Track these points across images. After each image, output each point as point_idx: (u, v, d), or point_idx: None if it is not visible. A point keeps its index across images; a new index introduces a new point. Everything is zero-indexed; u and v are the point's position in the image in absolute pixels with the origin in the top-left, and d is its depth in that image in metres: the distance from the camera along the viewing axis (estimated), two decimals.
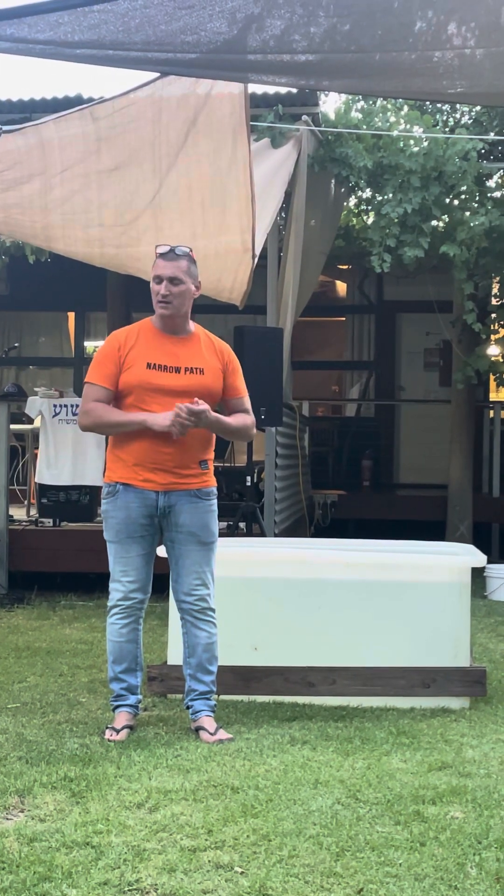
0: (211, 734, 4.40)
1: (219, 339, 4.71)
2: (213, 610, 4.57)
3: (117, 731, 4.44)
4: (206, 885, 2.97)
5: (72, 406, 8.50)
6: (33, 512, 8.85)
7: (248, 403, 4.68)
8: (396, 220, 8.52)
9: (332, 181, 8.93)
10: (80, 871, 3.05)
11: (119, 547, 4.56)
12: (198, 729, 4.46)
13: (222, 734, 4.41)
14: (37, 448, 8.77)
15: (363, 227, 10.21)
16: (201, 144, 6.51)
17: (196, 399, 4.39)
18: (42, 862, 3.10)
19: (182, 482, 4.50)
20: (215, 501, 4.62)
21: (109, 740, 4.37)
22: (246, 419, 4.65)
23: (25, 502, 9.20)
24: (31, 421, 9.02)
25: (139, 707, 4.66)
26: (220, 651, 4.64)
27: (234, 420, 4.59)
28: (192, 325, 4.64)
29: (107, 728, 4.49)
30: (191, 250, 4.58)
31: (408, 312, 13.02)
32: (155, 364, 4.48)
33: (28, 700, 5.06)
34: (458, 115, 10.56)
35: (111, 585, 4.61)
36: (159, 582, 5.36)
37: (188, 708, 4.57)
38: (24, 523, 8.53)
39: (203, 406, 4.37)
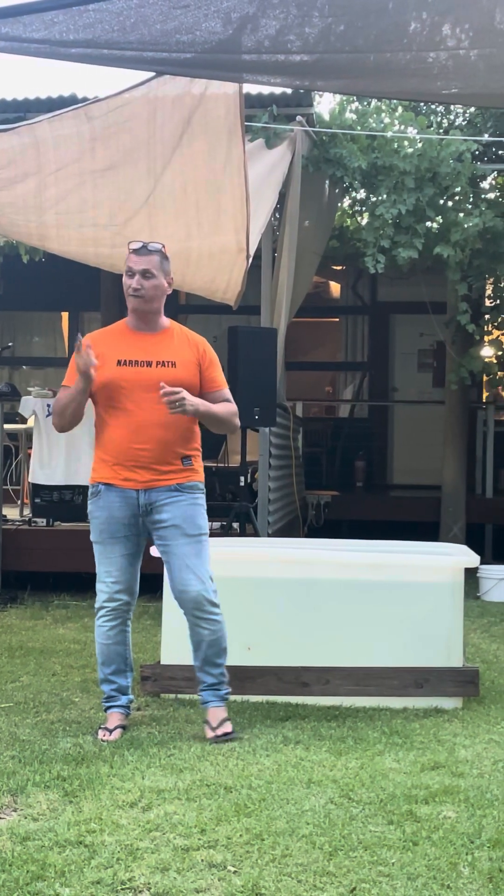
0: (213, 728, 4.39)
1: (194, 333, 4.69)
2: (211, 603, 4.48)
3: (110, 731, 4.44)
4: (199, 884, 2.97)
5: None
6: (26, 512, 8.84)
7: (228, 395, 4.63)
8: (390, 221, 8.52)
9: (327, 182, 8.94)
10: (73, 870, 3.05)
11: (102, 547, 4.55)
12: (205, 723, 4.46)
13: (224, 728, 4.39)
14: (30, 448, 8.76)
15: (357, 227, 10.21)
16: (196, 144, 6.51)
17: (162, 383, 4.35)
18: (35, 861, 3.10)
19: (162, 479, 4.47)
20: (201, 496, 4.57)
21: (103, 740, 4.37)
22: (230, 406, 4.60)
23: (19, 502, 9.19)
24: (24, 421, 9.01)
25: (130, 707, 4.66)
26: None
27: (219, 407, 4.54)
28: (166, 321, 4.65)
29: (100, 728, 4.49)
30: (163, 246, 4.58)
31: (401, 313, 13.03)
32: (125, 360, 4.48)
33: (21, 699, 5.06)
34: (452, 117, 10.57)
35: (97, 586, 4.60)
36: (153, 582, 5.35)
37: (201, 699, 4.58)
38: (17, 523, 8.52)
39: (169, 388, 4.31)
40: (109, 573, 4.54)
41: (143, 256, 4.50)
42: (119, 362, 4.48)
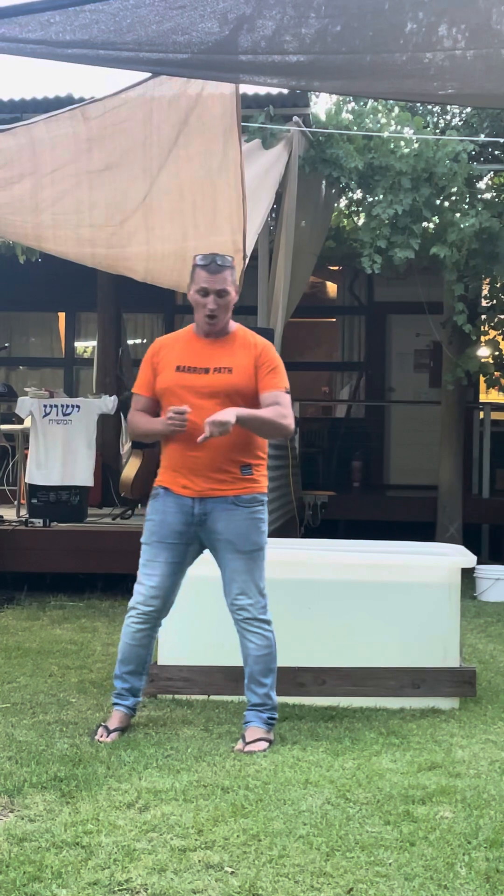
0: (245, 742, 4.33)
1: (258, 336, 4.60)
2: (260, 620, 4.46)
3: (109, 733, 4.43)
4: (197, 885, 2.97)
5: (62, 406, 8.49)
6: (23, 512, 8.84)
7: (281, 398, 4.46)
8: (387, 222, 8.52)
9: (323, 182, 8.94)
10: (69, 871, 3.05)
11: (149, 549, 4.52)
12: (241, 737, 4.40)
13: (255, 746, 4.29)
14: (27, 448, 8.76)
15: (354, 228, 10.22)
16: (192, 145, 6.51)
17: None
18: (32, 862, 3.10)
19: (218, 488, 4.42)
20: (260, 509, 4.49)
21: (99, 740, 4.36)
22: (278, 409, 4.43)
23: (15, 502, 9.19)
24: (21, 421, 9.00)
25: (136, 709, 4.64)
26: (210, 651, 4.64)
27: (265, 412, 4.42)
28: (233, 325, 4.60)
29: (100, 726, 4.48)
30: (233, 259, 4.58)
31: (398, 314, 13.02)
32: (184, 366, 4.46)
33: (18, 700, 5.05)
34: (448, 117, 10.56)
35: (135, 587, 4.56)
36: None
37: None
38: (13, 523, 8.51)
39: (209, 432, 4.26)
40: (150, 577, 4.51)
41: (215, 275, 4.43)
42: (178, 368, 4.47)
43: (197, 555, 4.58)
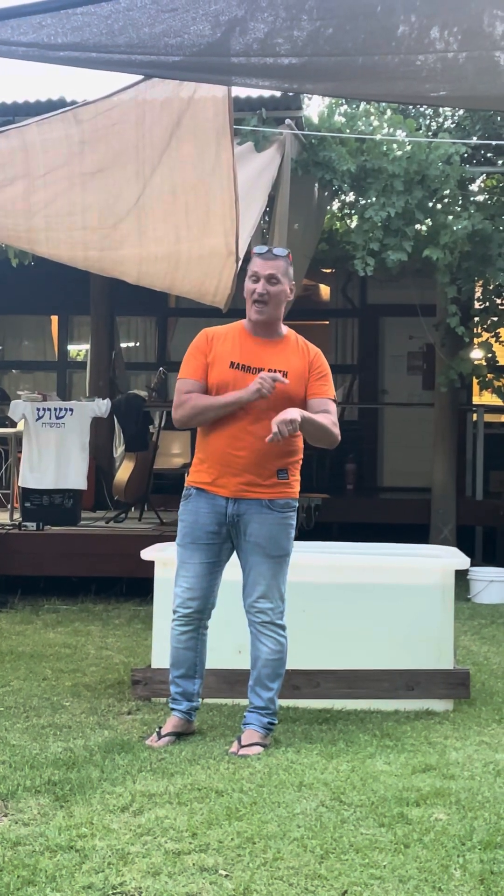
0: (240, 745, 4.31)
1: (310, 343, 4.59)
2: (276, 625, 4.46)
3: (159, 737, 4.39)
4: (191, 889, 2.97)
5: (55, 410, 8.48)
6: (16, 516, 8.83)
7: (330, 406, 4.49)
8: (380, 224, 8.52)
9: (316, 185, 8.94)
10: (63, 874, 3.04)
11: (183, 551, 4.50)
12: (236, 739, 4.39)
13: (250, 749, 4.28)
14: (20, 452, 8.75)
15: (346, 230, 10.21)
16: (185, 147, 6.50)
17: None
18: (26, 866, 3.09)
19: (253, 490, 4.40)
20: (291, 514, 4.48)
21: (148, 744, 4.33)
22: (329, 417, 4.45)
23: (9, 506, 9.18)
24: (14, 424, 8.99)
25: (194, 714, 4.58)
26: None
27: (320, 417, 4.41)
28: (285, 329, 4.57)
29: (156, 730, 4.45)
30: (289, 253, 4.53)
31: (391, 316, 13.03)
32: (238, 364, 4.41)
33: (11, 704, 5.05)
34: (440, 119, 10.58)
35: (174, 590, 4.55)
36: (144, 586, 5.35)
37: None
38: (7, 527, 8.50)
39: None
40: (186, 578, 4.49)
41: (269, 261, 4.43)
42: (232, 364, 4.42)
43: (231, 553, 4.54)
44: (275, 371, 4.39)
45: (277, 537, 4.43)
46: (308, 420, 4.32)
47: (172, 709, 4.54)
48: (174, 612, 4.52)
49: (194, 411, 4.43)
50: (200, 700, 4.64)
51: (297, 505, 4.53)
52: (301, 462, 4.56)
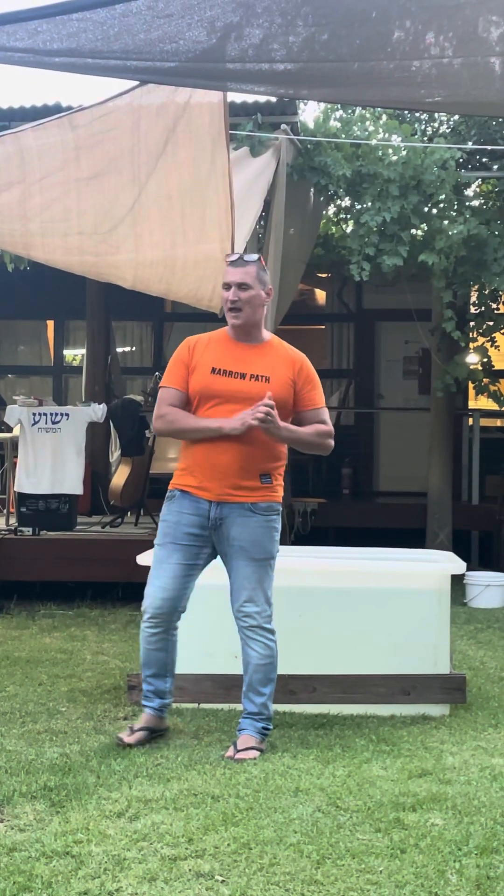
0: (236, 749, 4.32)
1: (295, 349, 4.61)
2: (264, 629, 4.47)
3: (132, 732, 4.44)
4: (187, 894, 2.97)
5: (51, 415, 8.48)
6: (12, 521, 8.82)
7: (324, 415, 4.56)
8: (375, 229, 8.53)
9: (311, 190, 8.95)
10: (59, 880, 3.04)
11: (161, 550, 4.51)
12: (232, 744, 4.40)
13: (246, 754, 4.28)
14: (16, 457, 8.74)
15: (342, 235, 10.23)
16: (180, 153, 6.51)
17: (269, 393, 4.32)
18: (22, 872, 3.09)
19: (236, 494, 4.42)
20: (275, 517, 4.51)
21: (120, 737, 4.39)
22: (321, 428, 4.53)
23: (4, 511, 9.17)
24: (10, 429, 8.99)
25: (165, 711, 4.62)
26: (200, 660, 4.64)
27: (307, 430, 4.49)
28: (267, 335, 4.59)
29: (129, 727, 4.51)
30: (261, 258, 4.56)
31: (387, 321, 13.04)
32: (219, 369, 4.43)
33: (7, 709, 5.04)
34: (436, 125, 10.59)
35: (146, 590, 4.55)
36: (140, 590, 5.35)
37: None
38: (3, 532, 8.49)
39: (270, 402, 4.28)
40: (161, 578, 4.49)
41: (239, 268, 4.46)
42: (213, 370, 4.44)
43: (209, 560, 4.55)
44: (256, 376, 4.42)
45: (261, 540, 4.45)
46: (291, 438, 4.44)
47: (144, 705, 4.59)
48: (144, 611, 4.53)
49: (172, 429, 4.54)
50: (172, 697, 4.67)
51: (280, 508, 4.55)
52: (285, 467, 4.59)
